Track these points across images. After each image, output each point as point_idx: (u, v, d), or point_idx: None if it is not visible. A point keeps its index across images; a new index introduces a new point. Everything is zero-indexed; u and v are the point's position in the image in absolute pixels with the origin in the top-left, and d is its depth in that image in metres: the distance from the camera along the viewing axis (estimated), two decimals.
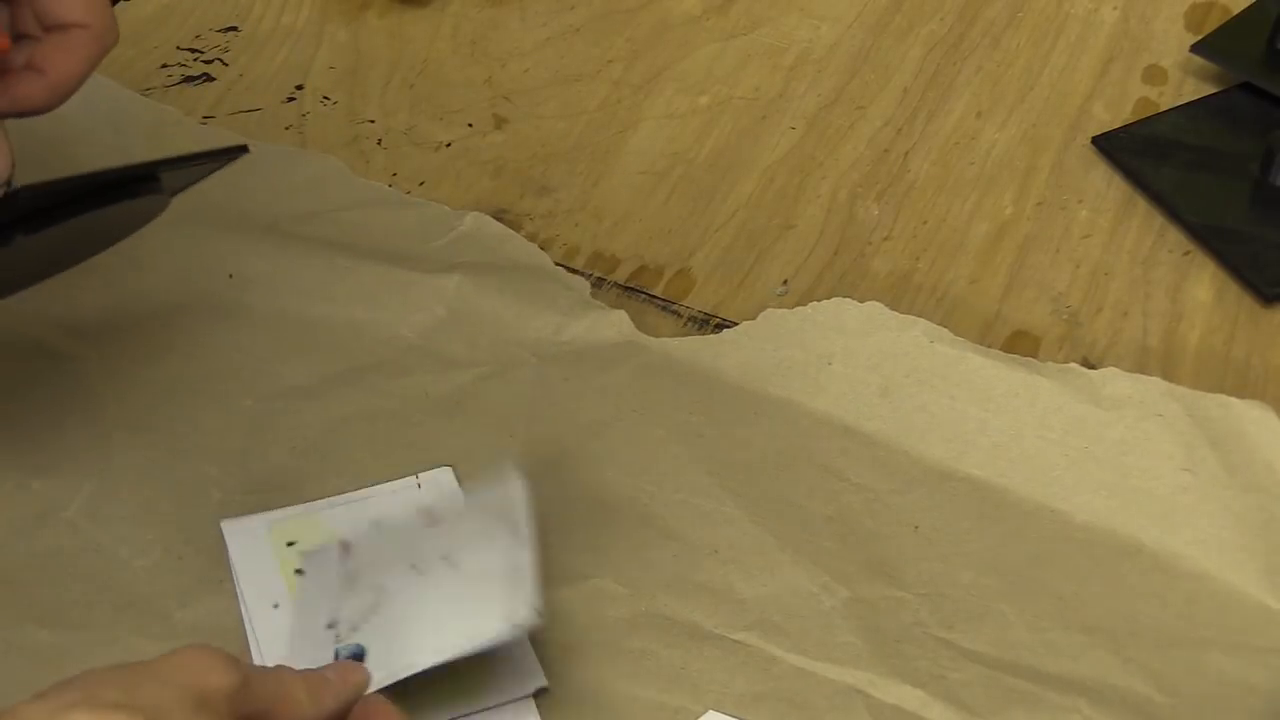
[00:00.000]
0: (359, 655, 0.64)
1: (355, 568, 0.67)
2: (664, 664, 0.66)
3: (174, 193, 0.69)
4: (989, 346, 0.77)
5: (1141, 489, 0.71)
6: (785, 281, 0.81)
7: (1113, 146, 0.87)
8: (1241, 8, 0.94)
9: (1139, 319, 0.80)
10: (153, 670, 0.51)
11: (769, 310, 0.78)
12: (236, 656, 0.53)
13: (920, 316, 0.77)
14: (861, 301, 0.78)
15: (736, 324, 0.78)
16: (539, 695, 0.65)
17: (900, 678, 0.66)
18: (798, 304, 0.79)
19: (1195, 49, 0.91)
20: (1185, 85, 0.91)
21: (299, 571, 0.68)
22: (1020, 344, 0.78)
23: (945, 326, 0.77)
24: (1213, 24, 0.93)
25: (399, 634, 0.64)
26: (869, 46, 0.94)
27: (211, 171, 0.71)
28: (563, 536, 0.69)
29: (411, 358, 0.77)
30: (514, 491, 0.67)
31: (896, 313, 0.77)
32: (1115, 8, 0.95)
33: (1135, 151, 0.87)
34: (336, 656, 0.64)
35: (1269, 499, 0.70)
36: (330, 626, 0.65)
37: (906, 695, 0.65)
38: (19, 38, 0.66)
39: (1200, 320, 0.80)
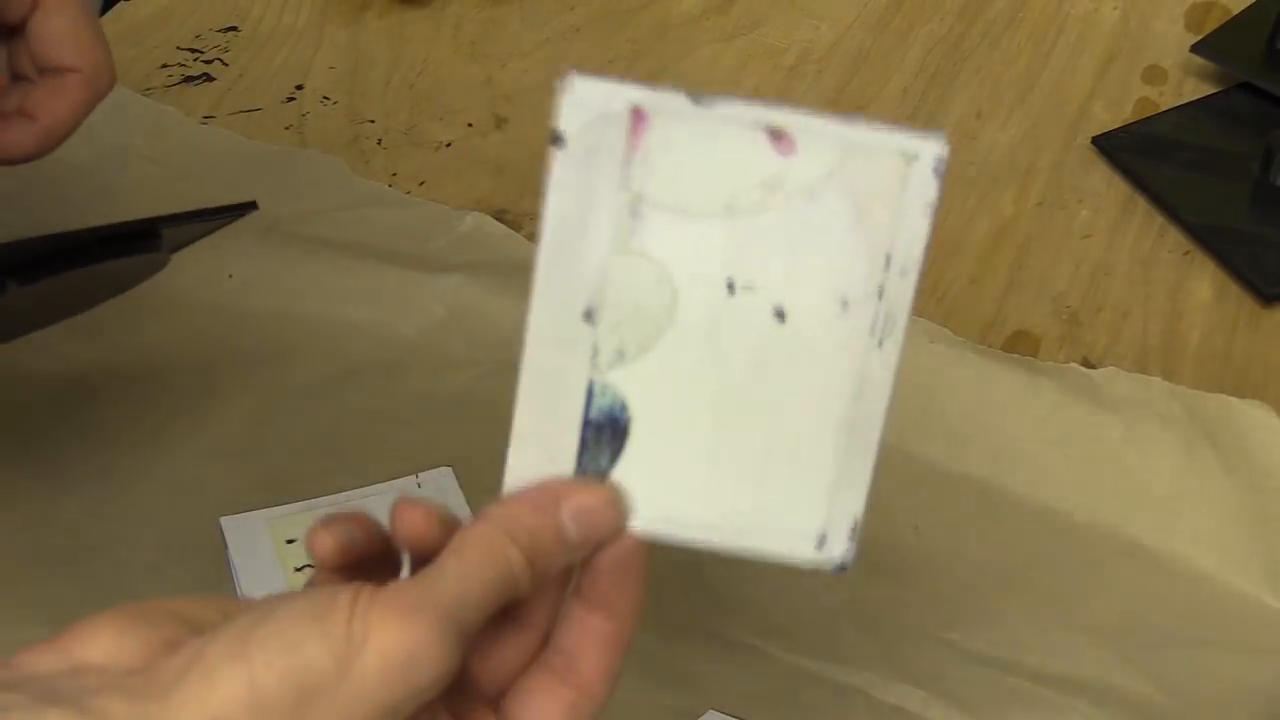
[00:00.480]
0: (619, 429, 0.47)
1: (644, 187, 0.46)
2: (664, 664, 0.66)
3: (174, 249, 0.67)
4: (989, 346, 0.77)
5: (1141, 489, 0.71)
6: None
7: (1113, 146, 0.87)
8: (1241, 8, 0.94)
9: (1139, 319, 0.80)
10: (343, 700, 0.42)
11: None
12: (448, 628, 0.42)
13: (920, 316, 0.77)
14: None
15: None
16: None
17: (900, 678, 0.66)
18: None
19: (1195, 49, 0.91)
20: (1185, 85, 0.91)
21: (556, 141, 0.47)
22: (1020, 344, 0.78)
23: (945, 326, 0.77)
24: (1213, 24, 0.93)
25: (672, 431, 0.47)
26: (869, 46, 0.94)
27: (216, 229, 0.68)
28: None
29: (411, 358, 0.77)
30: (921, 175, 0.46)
31: None
32: (1115, 8, 0.95)
33: (1135, 151, 0.87)
34: (589, 400, 0.47)
35: (1269, 499, 0.70)
36: (588, 319, 0.46)
37: (906, 695, 0.65)
38: (16, 79, 0.65)
39: (1200, 320, 0.80)
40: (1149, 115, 0.89)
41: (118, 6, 0.95)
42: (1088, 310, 0.80)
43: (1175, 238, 0.83)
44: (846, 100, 0.90)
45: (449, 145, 0.88)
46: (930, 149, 0.46)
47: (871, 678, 0.66)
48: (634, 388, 0.46)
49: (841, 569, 0.47)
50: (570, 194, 0.46)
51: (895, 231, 0.46)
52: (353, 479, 0.71)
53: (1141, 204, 0.85)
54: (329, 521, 0.45)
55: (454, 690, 0.45)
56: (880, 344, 0.47)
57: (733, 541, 0.47)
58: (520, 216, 0.84)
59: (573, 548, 0.45)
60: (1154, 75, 0.92)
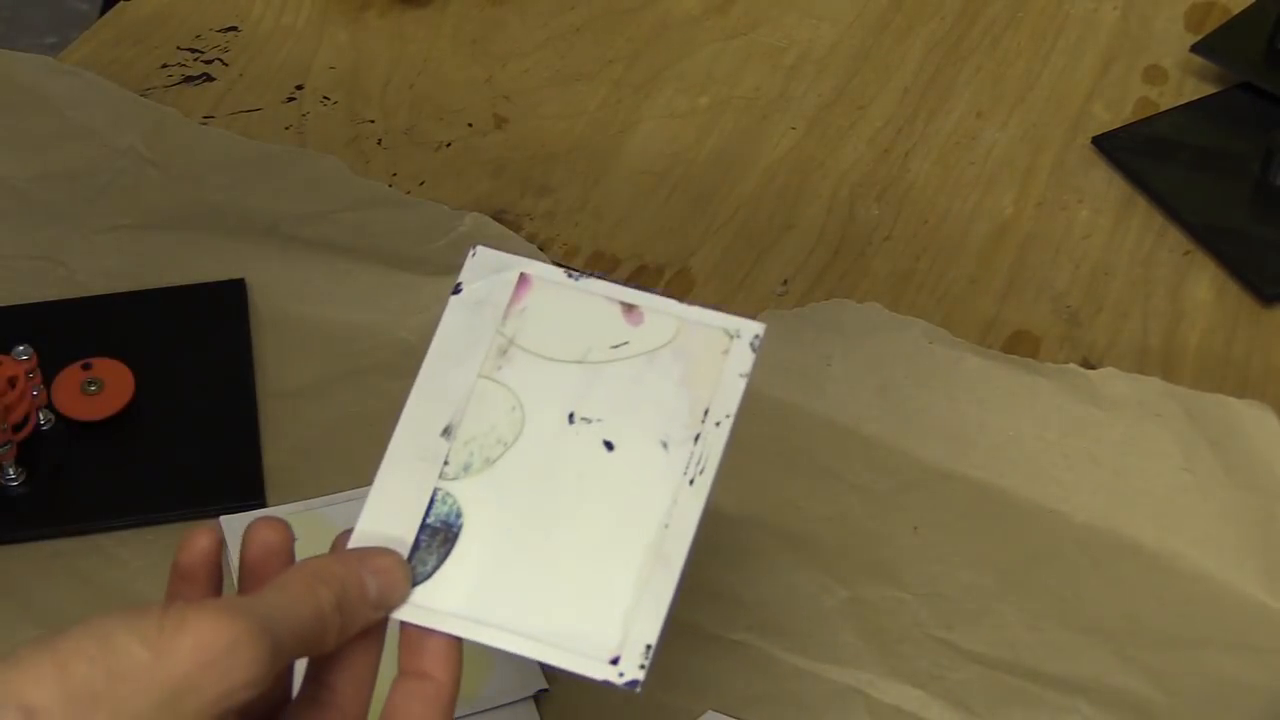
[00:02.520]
0: (450, 534, 0.52)
1: (516, 333, 0.55)
2: (664, 664, 0.66)
3: None
4: (989, 347, 0.77)
5: (1141, 489, 0.71)
6: (785, 281, 0.81)
7: (1113, 146, 0.87)
8: (1241, 8, 0.94)
9: (1139, 319, 0.80)
10: (159, 684, 0.43)
11: (769, 310, 0.78)
12: (263, 630, 0.45)
13: (920, 316, 0.77)
14: (861, 302, 0.78)
15: None
16: (539, 695, 0.65)
17: (900, 678, 0.66)
18: (798, 304, 0.79)
19: (1195, 49, 0.91)
20: (1185, 85, 0.91)
21: (455, 290, 0.56)
22: (1020, 344, 0.78)
23: (945, 326, 0.77)
24: (1213, 24, 0.93)
25: (501, 541, 0.52)
26: (869, 46, 0.94)
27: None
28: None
29: (411, 358, 0.76)
30: (737, 354, 0.55)
31: (895, 313, 0.77)
32: (1115, 8, 0.95)
33: (1135, 151, 0.87)
34: (430, 504, 0.53)
35: (1268, 499, 0.70)
36: (445, 434, 0.54)
37: (906, 695, 0.65)
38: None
39: (1200, 320, 0.80)
40: (1149, 115, 0.89)
41: (118, 6, 0.95)
42: (1088, 310, 0.80)
43: (1175, 238, 0.83)
44: (846, 100, 0.90)
45: (449, 145, 0.88)
46: (749, 328, 0.54)
47: (871, 678, 0.66)
48: (472, 498, 0.52)
49: (632, 686, 0.51)
50: (457, 331, 0.55)
51: (716, 390, 0.54)
52: (352, 479, 0.71)
53: (1141, 204, 0.85)
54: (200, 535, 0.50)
55: None
56: (691, 482, 0.53)
57: (535, 653, 0.51)
58: (520, 217, 0.84)
59: (372, 603, 0.49)
60: (1154, 75, 0.92)
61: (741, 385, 0.54)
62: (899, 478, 0.72)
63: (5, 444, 0.70)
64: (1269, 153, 0.84)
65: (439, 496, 0.52)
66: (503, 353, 0.54)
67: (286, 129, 0.89)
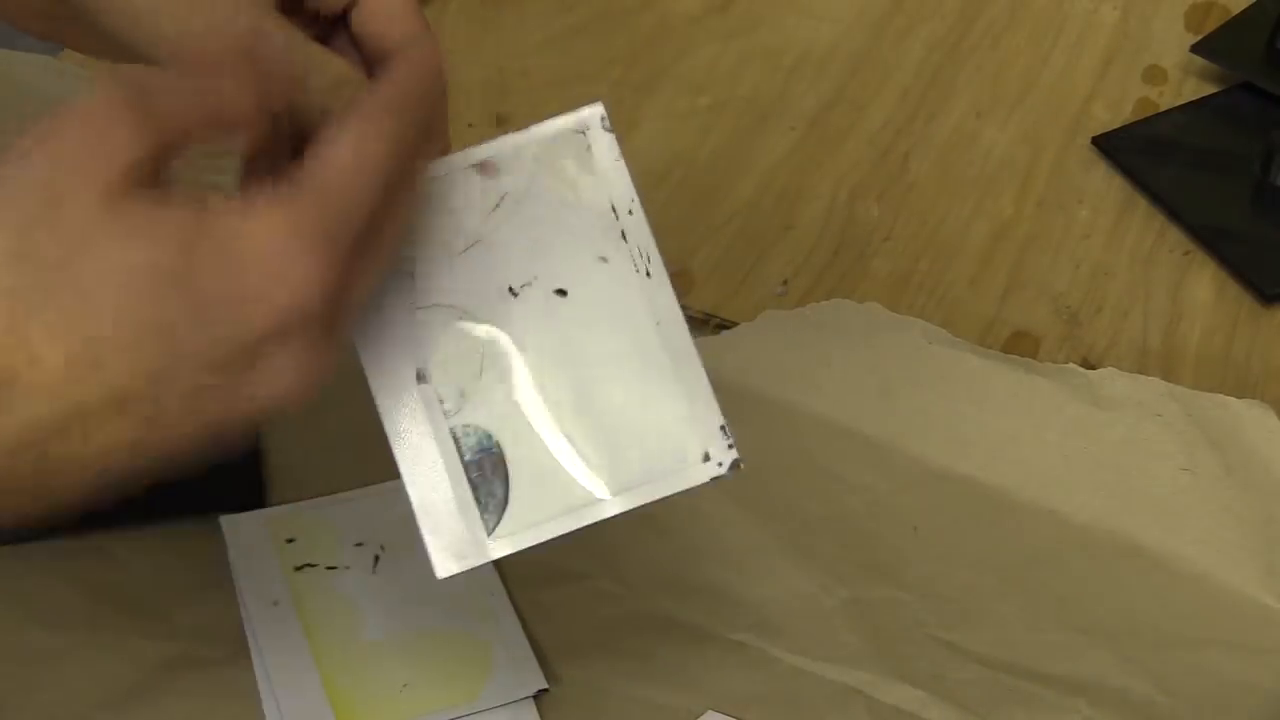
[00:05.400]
0: (494, 458, 0.52)
1: (410, 253, 0.53)
2: (664, 664, 0.66)
3: None
4: (989, 347, 0.77)
5: (1141, 489, 0.71)
6: (785, 282, 0.81)
7: (1113, 146, 0.87)
8: (1241, 8, 0.94)
9: (1139, 319, 0.80)
10: (47, 183, 0.42)
11: (768, 311, 0.78)
12: (131, 100, 0.43)
13: (920, 317, 0.77)
14: (861, 302, 0.78)
15: (736, 324, 0.78)
16: (539, 695, 0.65)
17: (900, 678, 0.66)
18: (797, 304, 0.79)
19: (1195, 49, 0.91)
20: (1185, 85, 0.91)
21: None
22: (1020, 344, 0.78)
23: (946, 327, 0.77)
24: (1213, 24, 0.93)
25: (539, 432, 0.52)
26: (869, 46, 0.94)
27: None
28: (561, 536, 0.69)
29: None
30: (600, 149, 0.54)
31: (895, 314, 0.77)
32: (1115, 8, 0.95)
33: (1135, 151, 0.87)
34: (458, 446, 0.52)
35: (1268, 498, 0.70)
36: (422, 380, 0.53)
37: (906, 695, 0.65)
38: None
39: (1200, 320, 0.80)
40: (1149, 115, 0.89)
41: None
42: (1088, 310, 0.80)
43: (1175, 238, 0.83)
44: (846, 100, 0.90)
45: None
46: (593, 114, 0.53)
47: (871, 678, 0.66)
48: (486, 415, 0.52)
49: (736, 466, 0.52)
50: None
51: (607, 186, 0.53)
52: (353, 479, 0.71)
53: (1141, 204, 0.85)
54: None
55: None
56: (648, 274, 0.53)
57: (636, 500, 0.52)
58: None
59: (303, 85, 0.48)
60: (1154, 75, 0.92)
61: (622, 167, 0.53)
62: (899, 478, 0.72)
63: None
64: (1269, 153, 0.84)
65: (459, 434, 0.52)
66: (411, 278, 0.53)
67: None
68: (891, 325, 0.77)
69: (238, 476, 0.71)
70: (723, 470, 0.52)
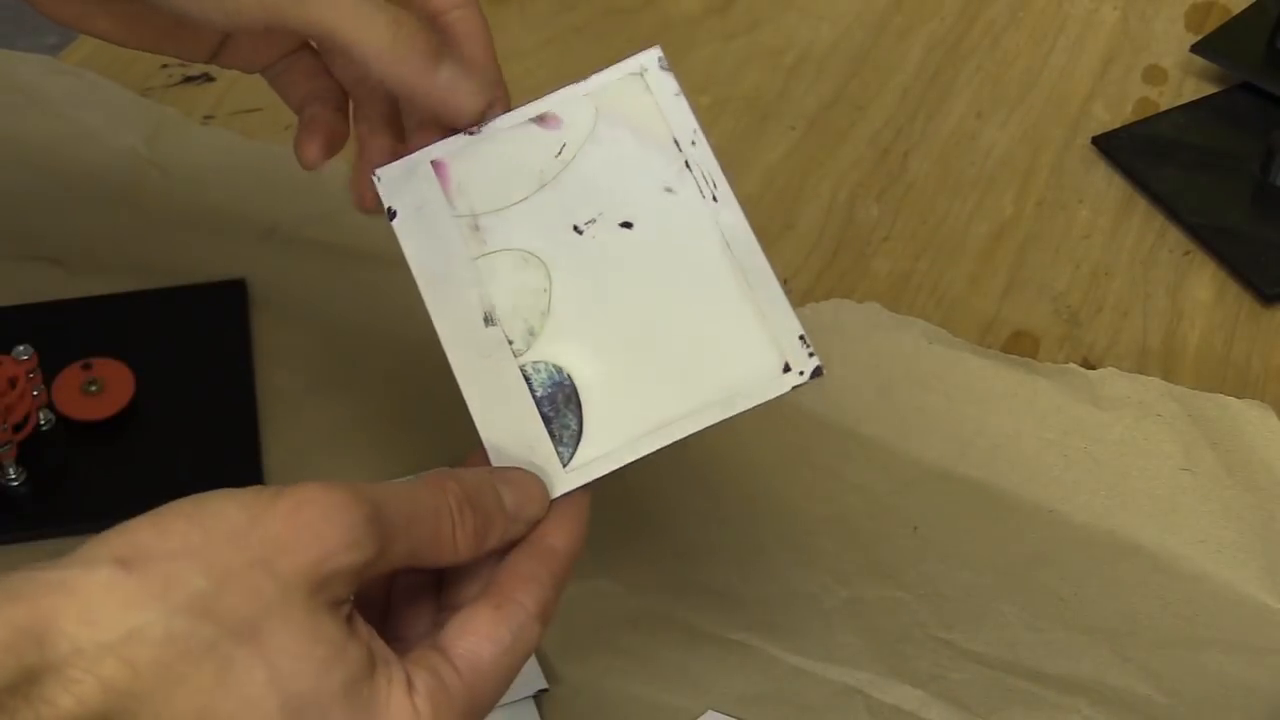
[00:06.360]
0: (567, 390, 0.52)
1: (471, 207, 0.55)
2: (664, 664, 0.66)
3: None
4: (989, 347, 0.77)
5: (1141, 489, 0.71)
6: (785, 281, 0.81)
7: (1113, 146, 0.87)
8: (1241, 8, 0.94)
9: (1139, 319, 0.80)
10: (254, 543, 0.43)
11: None
12: (366, 500, 0.45)
13: (920, 317, 0.77)
14: (861, 302, 0.78)
15: None
16: (539, 695, 0.65)
17: (900, 678, 0.66)
18: (797, 304, 0.79)
19: (1195, 49, 0.91)
20: (1185, 85, 0.91)
21: (390, 216, 0.56)
22: (1020, 344, 0.78)
23: (945, 326, 0.77)
24: (1213, 24, 0.93)
25: (611, 360, 0.53)
26: (869, 46, 0.94)
27: None
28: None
29: (415, 359, 0.77)
30: (662, 88, 0.56)
31: (894, 313, 0.77)
32: (1115, 8, 0.95)
33: (1135, 151, 0.87)
34: (529, 384, 0.52)
35: (1268, 498, 0.70)
36: (490, 323, 0.54)
37: (906, 695, 0.65)
38: None
39: (1200, 320, 0.80)
40: (1149, 115, 0.89)
41: None
42: (1087, 310, 0.80)
43: (1175, 238, 0.83)
44: (846, 100, 0.90)
45: None
46: (650, 57, 0.56)
47: (871, 678, 0.66)
48: (556, 351, 0.53)
49: (818, 373, 0.53)
50: (422, 245, 0.55)
51: (668, 122, 0.55)
52: (353, 478, 0.71)
53: (1141, 204, 0.85)
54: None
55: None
56: (715, 199, 0.54)
57: (720, 414, 0.52)
58: None
59: (509, 512, 0.49)
60: (1154, 75, 0.92)
61: (682, 101, 0.55)
62: (899, 478, 0.72)
63: (5, 444, 0.70)
64: (1269, 153, 0.84)
65: (529, 371, 0.52)
66: (474, 230, 0.55)
67: (286, 129, 0.89)
68: (891, 325, 0.77)
69: (237, 475, 0.71)
70: (804, 378, 0.52)
